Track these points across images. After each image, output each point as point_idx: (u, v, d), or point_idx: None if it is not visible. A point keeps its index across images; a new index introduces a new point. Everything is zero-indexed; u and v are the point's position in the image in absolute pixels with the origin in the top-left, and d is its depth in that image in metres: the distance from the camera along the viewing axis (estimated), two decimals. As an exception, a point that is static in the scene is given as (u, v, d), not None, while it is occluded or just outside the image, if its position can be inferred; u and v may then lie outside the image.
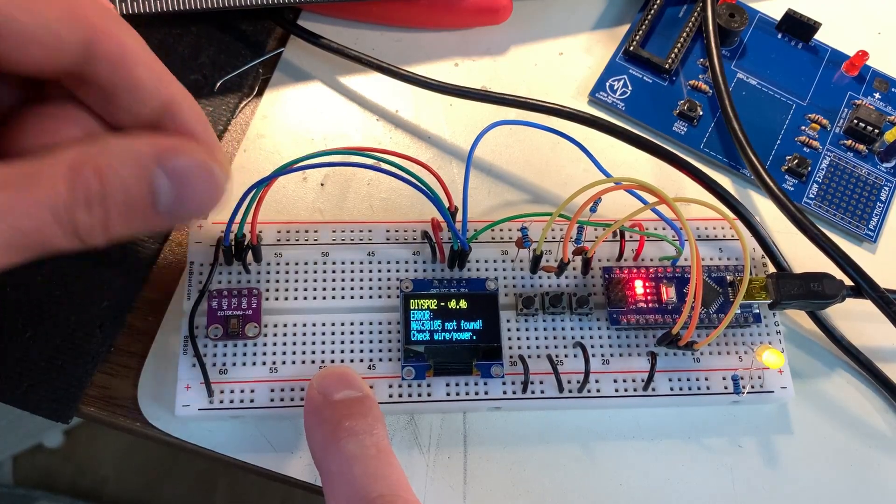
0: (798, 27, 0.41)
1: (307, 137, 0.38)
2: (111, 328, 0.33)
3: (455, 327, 0.32)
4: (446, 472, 0.32)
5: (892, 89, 0.41)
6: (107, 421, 0.33)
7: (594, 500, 0.32)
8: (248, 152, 0.37)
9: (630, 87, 0.40)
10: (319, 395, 0.29)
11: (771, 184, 0.35)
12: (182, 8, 0.35)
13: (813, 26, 0.41)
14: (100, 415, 0.33)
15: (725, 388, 0.33)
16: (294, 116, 0.38)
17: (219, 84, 0.38)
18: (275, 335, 0.32)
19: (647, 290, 0.33)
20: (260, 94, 0.38)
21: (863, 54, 0.40)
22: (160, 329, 0.33)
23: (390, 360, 0.32)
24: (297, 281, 0.33)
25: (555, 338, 0.33)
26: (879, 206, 0.38)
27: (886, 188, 0.39)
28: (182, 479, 0.81)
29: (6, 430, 0.76)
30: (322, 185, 0.37)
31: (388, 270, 0.33)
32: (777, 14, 0.41)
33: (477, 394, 0.32)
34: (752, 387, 0.33)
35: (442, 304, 0.32)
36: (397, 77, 0.38)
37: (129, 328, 0.34)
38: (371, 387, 0.31)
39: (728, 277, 0.34)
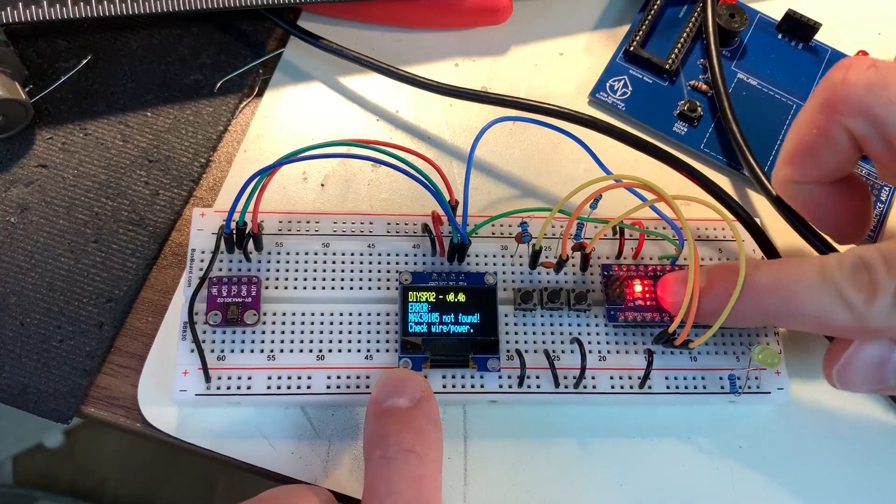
0: (798, 27, 0.41)
1: (307, 138, 0.38)
2: (111, 328, 0.33)
3: (453, 320, 0.32)
4: (446, 473, 0.32)
5: (893, 90, 0.41)
6: (107, 421, 0.33)
7: (595, 501, 0.32)
8: (248, 152, 0.37)
9: (630, 88, 0.40)
10: (374, 398, 0.29)
11: (769, 185, 0.35)
12: (182, 8, 0.36)
13: (813, 26, 0.41)
14: (100, 415, 0.33)
15: (722, 387, 0.33)
16: (294, 117, 0.38)
17: (219, 84, 0.38)
18: (273, 323, 0.32)
19: (646, 289, 0.33)
20: (260, 94, 0.39)
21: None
22: (160, 329, 0.33)
23: (387, 351, 0.32)
24: (297, 270, 0.33)
25: (552, 333, 0.33)
26: (879, 207, 0.38)
27: (886, 188, 0.39)
28: (182, 479, 0.81)
29: (6, 430, 0.76)
30: (322, 185, 0.37)
31: (388, 262, 0.33)
32: (777, 14, 0.41)
33: (473, 387, 0.31)
34: (749, 387, 0.33)
35: (440, 296, 0.32)
36: (397, 78, 0.38)
37: (129, 328, 0.34)
38: (370, 378, 0.31)
39: (727, 277, 0.34)
